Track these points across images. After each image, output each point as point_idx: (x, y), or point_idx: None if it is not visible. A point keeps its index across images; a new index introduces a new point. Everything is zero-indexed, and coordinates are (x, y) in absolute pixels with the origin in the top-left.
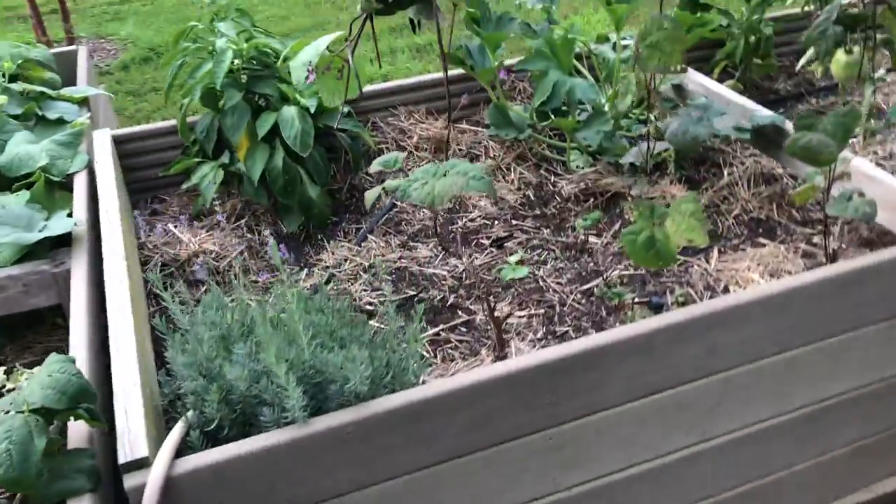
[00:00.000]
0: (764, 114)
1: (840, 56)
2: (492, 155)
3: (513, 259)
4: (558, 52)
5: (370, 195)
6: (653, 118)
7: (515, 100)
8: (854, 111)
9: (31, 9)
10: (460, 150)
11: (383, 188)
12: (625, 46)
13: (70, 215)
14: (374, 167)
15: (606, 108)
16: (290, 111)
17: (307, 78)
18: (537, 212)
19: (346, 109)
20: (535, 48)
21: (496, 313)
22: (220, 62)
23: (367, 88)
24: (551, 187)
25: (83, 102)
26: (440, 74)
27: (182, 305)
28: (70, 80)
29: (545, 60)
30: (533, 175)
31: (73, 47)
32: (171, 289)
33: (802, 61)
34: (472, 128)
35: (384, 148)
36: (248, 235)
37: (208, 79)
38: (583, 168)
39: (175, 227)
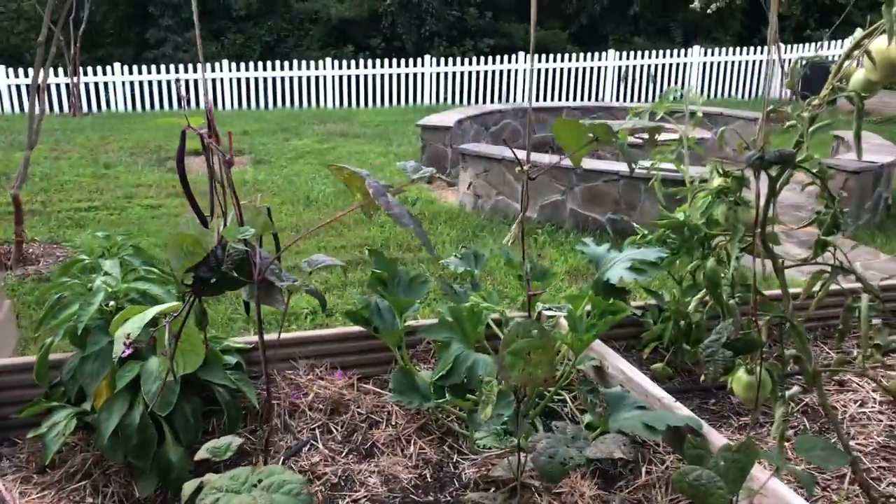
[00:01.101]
0: (681, 413)
1: (741, 375)
2: (393, 423)
3: None
4: (464, 323)
5: (187, 487)
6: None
7: (429, 362)
8: (750, 449)
9: None
10: (360, 413)
11: (200, 483)
12: (549, 317)
13: None
14: (202, 453)
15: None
16: (155, 362)
17: (123, 352)
18: (430, 498)
19: (233, 360)
20: (441, 316)
21: None
22: (88, 304)
23: (267, 337)
24: (452, 468)
25: None
26: (348, 328)
27: None
28: None
29: (448, 331)
30: (434, 451)
31: None
32: None
33: None
34: (378, 389)
35: (276, 405)
36: (90, 500)
37: (73, 320)
38: (490, 448)
39: (6, 483)
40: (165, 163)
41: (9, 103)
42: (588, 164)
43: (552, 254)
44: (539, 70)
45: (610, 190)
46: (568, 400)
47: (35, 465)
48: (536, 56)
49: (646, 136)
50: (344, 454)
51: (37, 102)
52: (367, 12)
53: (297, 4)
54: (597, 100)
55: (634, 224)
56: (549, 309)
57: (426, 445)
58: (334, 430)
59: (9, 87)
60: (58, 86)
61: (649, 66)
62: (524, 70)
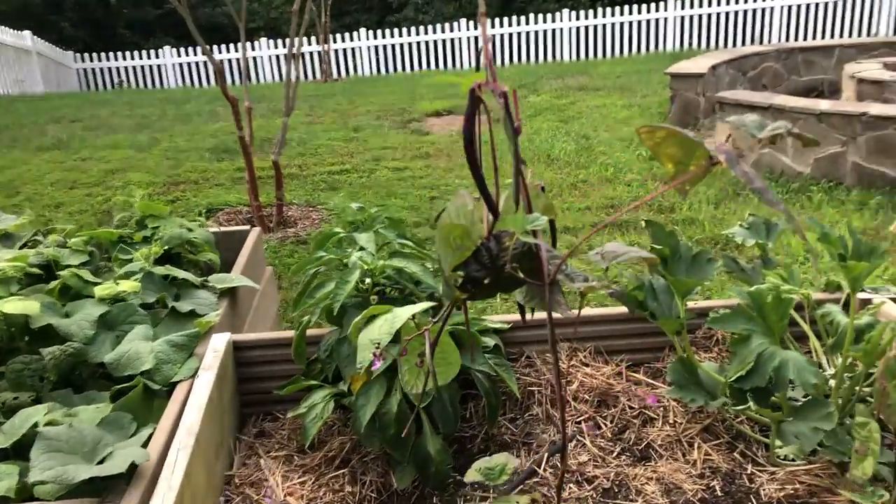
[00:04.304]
0: None
1: None
2: (671, 421)
3: None
4: (766, 313)
5: None
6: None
7: (710, 351)
8: None
9: (248, 175)
10: (631, 407)
11: None
12: (866, 304)
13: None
14: (471, 475)
15: (830, 396)
16: (359, 317)
17: (372, 364)
18: None
19: (491, 343)
20: (737, 303)
21: None
22: (345, 283)
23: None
24: (746, 482)
25: (227, 293)
26: (613, 310)
27: None
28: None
29: (748, 321)
30: (723, 459)
31: (245, 227)
32: None
33: None
34: (650, 380)
35: (536, 392)
36: (348, 488)
37: (329, 299)
38: (793, 460)
39: (269, 462)
40: (409, 125)
41: (269, 73)
42: (878, 109)
43: (831, 214)
44: (796, 6)
45: None
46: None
47: (296, 444)
48: None
49: None
50: (615, 454)
51: (293, 70)
52: None
53: None
54: (868, 34)
55: None
56: (877, 291)
57: (712, 451)
58: (603, 426)
59: (269, 57)
60: (310, 54)
61: None
62: (780, 7)
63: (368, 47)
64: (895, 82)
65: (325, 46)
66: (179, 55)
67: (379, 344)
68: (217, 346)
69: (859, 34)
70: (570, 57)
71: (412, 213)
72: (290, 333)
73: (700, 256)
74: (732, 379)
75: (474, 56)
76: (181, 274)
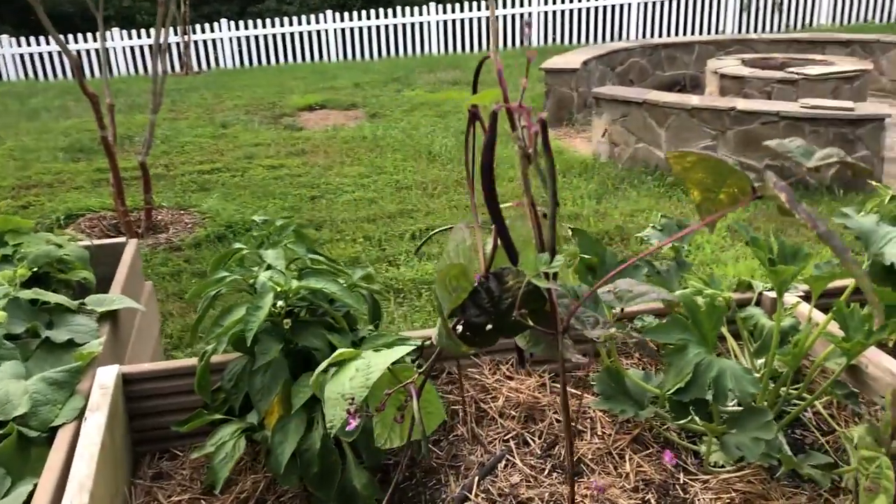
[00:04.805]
0: None
1: None
2: (600, 433)
3: None
4: (701, 321)
5: None
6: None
7: (632, 357)
8: None
9: (113, 178)
10: (559, 420)
11: None
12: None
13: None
14: None
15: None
16: (324, 365)
17: (347, 423)
18: None
19: (409, 360)
20: (671, 314)
21: None
22: (257, 308)
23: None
24: (681, 492)
25: (107, 317)
26: None
27: None
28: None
29: (683, 331)
30: (655, 470)
31: (121, 240)
32: None
33: None
34: (574, 390)
35: (460, 411)
36: None
37: (239, 326)
38: (723, 466)
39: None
40: (280, 120)
41: (124, 65)
42: (743, 104)
43: None
44: (653, 2)
45: (769, 133)
46: (819, 407)
47: (200, 485)
48: None
49: (807, 70)
50: (546, 472)
51: (159, 63)
52: None
53: None
54: (717, 32)
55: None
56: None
57: (643, 462)
58: (531, 442)
59: (123, 48)
60: (169, 45)
61: None
62: (637, 3)
63: (230, 38)
64: (754, 78)
65: (186, 38)
66: (20, 45)
67: (353, 400)
68: (104, 381)
69: (709, 31)
70: (440, 50)
71: (293, 214)
72: (187, 362)
73: (624, 264)
74: (672, 392)
75: (341, 49)
76: (54, 298)
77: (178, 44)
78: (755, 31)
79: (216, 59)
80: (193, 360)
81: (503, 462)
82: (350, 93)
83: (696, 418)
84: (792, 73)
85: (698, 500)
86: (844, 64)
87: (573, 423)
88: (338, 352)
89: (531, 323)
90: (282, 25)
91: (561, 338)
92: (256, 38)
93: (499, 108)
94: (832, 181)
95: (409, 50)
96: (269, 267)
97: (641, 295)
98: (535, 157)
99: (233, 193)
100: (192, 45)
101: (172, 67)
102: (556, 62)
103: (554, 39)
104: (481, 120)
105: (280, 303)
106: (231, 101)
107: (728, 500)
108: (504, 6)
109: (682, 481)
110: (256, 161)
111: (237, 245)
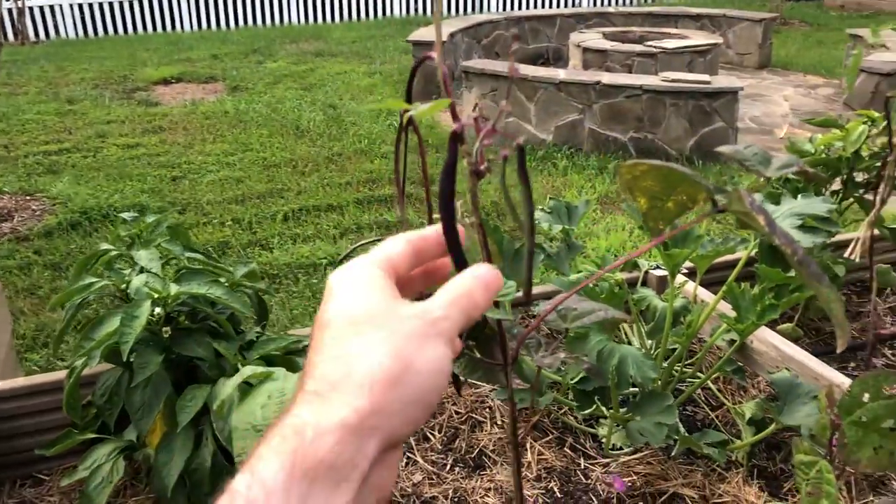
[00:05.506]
0: None
1: None
2: (499, 423)
3: None
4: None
5: None
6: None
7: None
8: None
9: None
10: (458, 412)
11: None
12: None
13: None
14: None
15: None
16: (229, 387)
17: None
18: None
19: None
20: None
21: None
22: (132, 318)
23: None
24: (582, 478)
25: None
26: None
27: None
28: None
29: None
30: (556, 457)
31: None
32: None
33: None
34: (473, 383)
35: None
36: None
37: (113, 339)
38: (620, 448)
39: None
40: (134, 95)
41: None
42: (608, 78)
43: (577, 180)
44: None
45: (632, 106)
46: (708, 383)
47: None
48: None
49: (665, 44)
50: (449, 467)
51: None
52: None
53: None
54: (575, 5)
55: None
56: (658, 268)
57: (544, 450)
58: (431, 437)
59: None
60: (0, 11)
61: None
62: None
63: (71, 5)
64: (616, 52)
65: (20, 3)
66: None
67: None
68: None
69: (567, 4)
70: (300, 20)
71: (154, 197)
72: (51, 377)
73: (521, 252)
74: (575, 381)
75: (195, 18)
76: None
77: (10, 10)
78: (612, 4)
79: (55, 27)
80: (58, 375)
81: (404, 460)
82: (208, 65)
83: (603, 407)
84: (651, 46)
85: (600, 485)
86: (697, 38)
87: (473, 415)
88: (243, 370)
89: (477, 354)
90: None
91: (509, 370)
92: (101, 4)
93: (462, 126)
94: (692, 152)
95: (269, 20)
96: (142, 270)
97: (591, 313)
98: (503, 186)
99: (85, 176)
100: (26, 12)
101: (5, 36)
102: (422, 34)
103: (416, 10)
104: (415, 127)
105: (158, 310)
106: (77, 74)
107: (630, 483)
108: None
109: (583, 466)
110: (110, 140)
111: (104, 246)
